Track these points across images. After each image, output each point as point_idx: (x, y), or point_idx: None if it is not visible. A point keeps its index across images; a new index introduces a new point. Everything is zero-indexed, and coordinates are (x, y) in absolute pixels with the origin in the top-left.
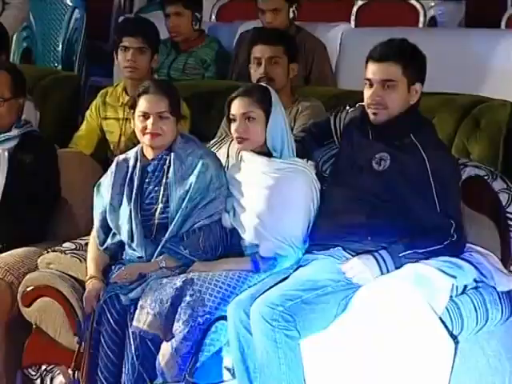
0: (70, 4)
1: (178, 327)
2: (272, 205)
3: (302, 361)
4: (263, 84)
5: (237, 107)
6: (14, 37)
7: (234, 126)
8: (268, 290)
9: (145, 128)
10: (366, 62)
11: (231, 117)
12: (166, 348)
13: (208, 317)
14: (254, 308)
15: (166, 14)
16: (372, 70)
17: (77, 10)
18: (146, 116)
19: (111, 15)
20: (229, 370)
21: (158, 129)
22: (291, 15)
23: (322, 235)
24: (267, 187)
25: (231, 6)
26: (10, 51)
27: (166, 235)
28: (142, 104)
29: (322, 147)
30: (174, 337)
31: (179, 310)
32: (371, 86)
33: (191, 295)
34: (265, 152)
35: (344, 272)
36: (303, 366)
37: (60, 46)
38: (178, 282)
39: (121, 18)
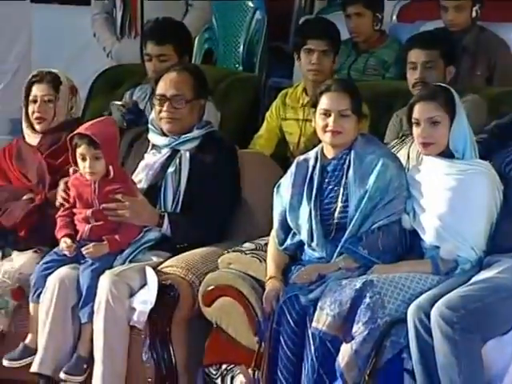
0: (252, 6)
1: (358, 329)
2: (454, 206)
3: (483, 364)
4: (444, 85)
5: (421, 111)
6: (197, 38)
7: (418, 131)
8: (448, 292)
9: (326, 126)
10: None
11: (414, 120)
12: (345, 349)
13: (388, 319)
14: (435, 311)
15: (346, 15)
16: None
17: (258, 12)
18: (327, 114)
19: (291, 16)
20: (409, 372)
21: (339, 127)
22: (474, 14)
23: (504, 237)
24: (449, 189)
25: (413, 5)
26: (193, 53)
27: (346, 235)
28: (324, 102)
29: (505, 148)
30: (353, 338)
31: (359, 311)
32: None
33: (371, 297)
34: (446, 153)
35: None
36: (483, 369)
37: (241, 47)
38: (358, 283)
39: (302, 19)
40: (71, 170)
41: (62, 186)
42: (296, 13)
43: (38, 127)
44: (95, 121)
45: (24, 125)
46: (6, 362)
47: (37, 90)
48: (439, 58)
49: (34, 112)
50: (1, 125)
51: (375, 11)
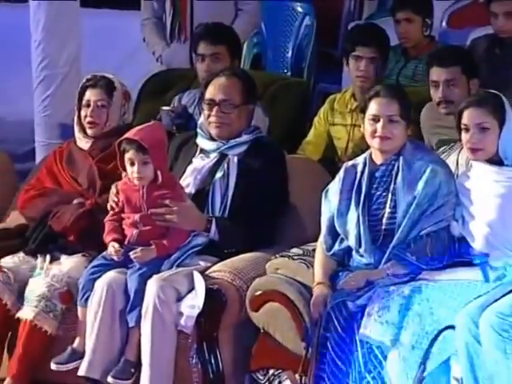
0: (301, 10)
1: (406, 336)
2: (503, 214)
3: None
4: (494, 91)
5: (470, 117)
6: (246, 43)
7: (466, 136)
8: (497, 300)
9: (374, 131)
10: None
11: (463, 126)
12: (393, 356)
13: (436, 326)
14: (484, 318)
15: (396, 20)
16: None
17: (307, 17)
18: (376, 119)
19: (341, 21)
20: (457, 379)
21: (388, 132)
22: None
23: None
24: (499, 196)
25: (463, 11)
26: (241, 57)
27: (394, 241)
28: (373, 107)
29: None
30: (402, 345)
31: (407, 318)
32: None
33: (419, 304)
34: (496, 160)
35: None
36: None
37: (290, 52)
38: (406, 289)
39: (351, 25)
40: (124, 175)
41: (113, 189)
42: (345, 18)
43: (89, 132)
44: (143, 126)
45: (76, 128)
46: (53, 366)
47: (90, 95)
48: (461, 75)
49: (86, 116)
50: (51, 129)
51: (425, 17)
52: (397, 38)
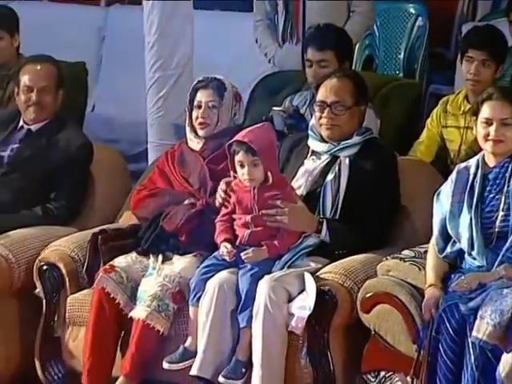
0: (413, 11)
1: None
2: None
3: None
4: None
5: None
6: (357, 45)
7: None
8: None
9: (487, 135)
10: None
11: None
12: (506, 360)
13: None
14: None
15: (510, 21)
16: None
17: (420, 18)
18: (488, 122)
19: (454, 22)
20: None
21: (501, 135)
22: None
23: None
24: None
25: None
26: (353, 59)
27: (507, 244)
28: (486, 110)
29: None
30: None
31: None
32: None
33: None
34: None
35: None
36: None
37: (402, 53)
38: None
39: (465, 26)
40: (234, 176)
41: (222, 185)
42: (458, 19)
43: (200, 132)
44: (253, 127)
45: (187, 129)
46: (165, 365)
47: (201, 96)
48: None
49: (197, 117)
50: (163, 130)
51: None
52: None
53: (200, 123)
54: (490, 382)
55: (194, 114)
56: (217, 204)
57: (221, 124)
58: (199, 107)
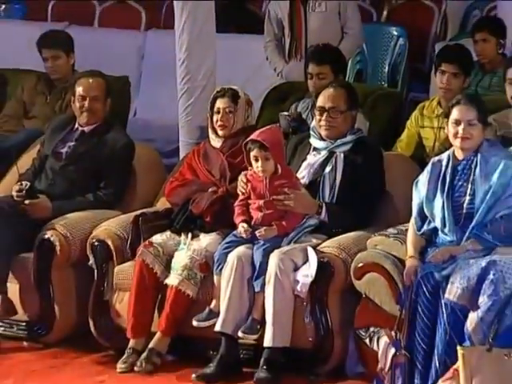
0: (396, 33)
1: (483, 300)
2: None
3: None
4: None
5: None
6: (350, 60)
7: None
8: None
9: (457, 133)
10: None
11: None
12: (473, 317)
13: (508, 292)
14: None
15: (474, 41)
16: None
17: (401, 39)
18: (457, 123)
19: (428, 42)
20: None
21: (468, 134)
22: None
23: None
24: None
25: None
26: (347, 72)
27: (473, 223)
28: (455, 113)
29: None
30: (479, 308)
31: (484, 285)
32: None
33: (494, 274)
34: None
35: None
36: None
37: (386, 67)
38: (483, 262)
39: (438, 45)
40: (249, 169)
41: (243, 177)
42: (432, 39)
43: (220, 133)
44: (264, 129)
45: (209, 131)
46: (194, 323)
47: (220, 103)
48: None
49: (217, 121)
50: (192, 131)
51: (499, 38)
52: (475, 55)
53: (219, 125)
54: (460, 336)
55: (214, 118)
56: (238, 191)
57: (236, 125)
58: (218, 112)
